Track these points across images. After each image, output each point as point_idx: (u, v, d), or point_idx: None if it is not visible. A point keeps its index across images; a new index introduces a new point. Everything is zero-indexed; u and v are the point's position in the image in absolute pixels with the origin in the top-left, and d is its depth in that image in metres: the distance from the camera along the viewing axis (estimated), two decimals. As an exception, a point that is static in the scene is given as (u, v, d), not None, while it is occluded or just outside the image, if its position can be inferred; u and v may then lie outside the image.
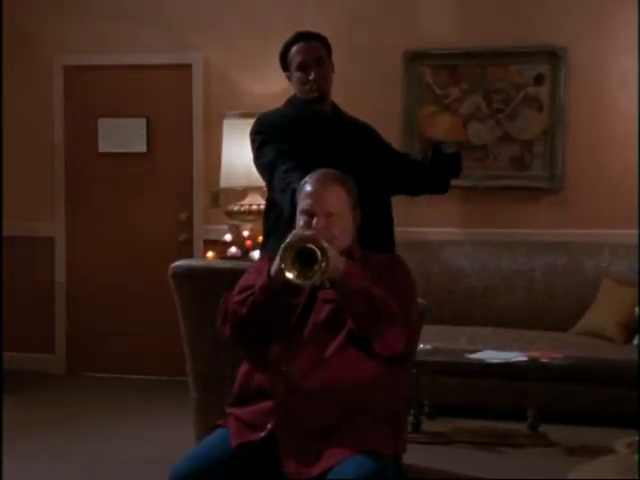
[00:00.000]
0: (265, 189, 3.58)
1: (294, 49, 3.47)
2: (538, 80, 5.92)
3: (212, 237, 6.13)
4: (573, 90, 5.88)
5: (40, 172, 6.54)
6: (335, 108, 3.57)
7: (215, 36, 6.28)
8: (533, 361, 4.79)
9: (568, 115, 5.89)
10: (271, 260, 2.65)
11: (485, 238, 5.97)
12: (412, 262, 3.05)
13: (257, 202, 5.64)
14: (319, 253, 2.51)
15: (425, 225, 6.02)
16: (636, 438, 2.41)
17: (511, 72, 5.95)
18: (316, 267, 2.51)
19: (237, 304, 2.69)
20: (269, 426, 2.62)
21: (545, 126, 5.93)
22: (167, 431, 4.93)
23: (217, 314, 2.79)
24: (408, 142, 5.95)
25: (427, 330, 3.41)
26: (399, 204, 3.77)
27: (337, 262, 2.56)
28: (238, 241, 5.66)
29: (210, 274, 3.42)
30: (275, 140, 3.40)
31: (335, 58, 3.54)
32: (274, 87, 5.56)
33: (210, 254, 5.68)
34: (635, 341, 5.23)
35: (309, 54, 3.45)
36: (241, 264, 3.59)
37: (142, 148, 6.42)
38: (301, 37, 3.49)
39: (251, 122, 3.57)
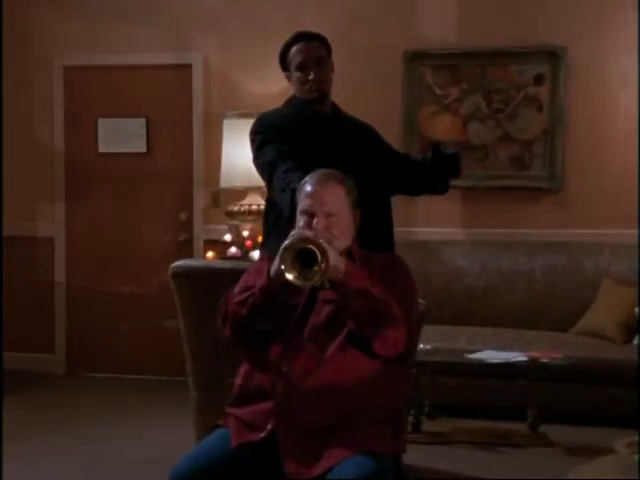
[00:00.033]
0: (265, 189, 3.58)
1: (294, 49, 3.47)
2: (538, 80, 5.92)
3: (212, 237, 6.13)
4: (573, 90, 5.88)
5: (40, 172, 6.53)
6: (335, 108, 3.57)
7: (215, 36, 6.28)
8: (533, 361, 4.78)
9: (568, 115, 5.89)
10: (271, 260, 2.65)
11: (485, 238, 5.97)
12: (412, 262, 3.05)
13: (257, 202, 5.65)
14: (319, 254, 2.51)
15: (425, 225, 6.02)
16: (636, 438, 2.41)
17: (511, 72, 5.95)
18: (316, 268, 2.51)
19: (237, 305, 2.69)
20: (269, 426, 2.63)
21: (545, 126, 5.93)
22: (167, 431, 4.92)
23: (217, 314, 2.79)
24: (408, 142, 5.94)
25: (427, 330, 3.41)
26: (399, 204, 3.77)
27: (337, 263, 2.56)
28: (238, 241, 5.66)
29: (210, 274, 3.43)
30: (275, 140, 3.39)
31: (335, 58, 3.54)
32: (274, 87, 5.56)
33: (210, 254, 5.67)
34: (635, 341, 5.23)
35: (309, 54, 3.45)
36: (241, 264, 3.60)
37: (142, 148, 6.41)
38: (301, 37, 3.49)
39: (251, 122, 3.57)
